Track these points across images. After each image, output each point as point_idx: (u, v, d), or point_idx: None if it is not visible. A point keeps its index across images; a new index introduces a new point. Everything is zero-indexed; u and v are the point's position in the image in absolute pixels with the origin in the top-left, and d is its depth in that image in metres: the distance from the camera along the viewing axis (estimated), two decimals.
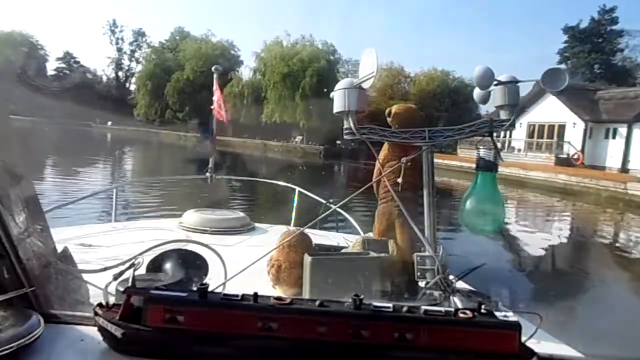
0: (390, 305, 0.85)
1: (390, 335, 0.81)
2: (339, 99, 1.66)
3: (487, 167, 1.68)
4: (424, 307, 0.85)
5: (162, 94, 48.38)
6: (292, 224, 3.30)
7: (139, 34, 63.09)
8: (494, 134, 1.67)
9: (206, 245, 1.35)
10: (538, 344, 0.90)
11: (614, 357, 1.38)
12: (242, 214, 3.07)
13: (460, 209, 1.70)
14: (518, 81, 1.64)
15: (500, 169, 1.69)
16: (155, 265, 1.27)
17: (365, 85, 1.64)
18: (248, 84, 42.88)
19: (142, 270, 1.19)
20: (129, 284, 0.95)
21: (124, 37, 64.34)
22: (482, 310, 0.85)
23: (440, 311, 0.85)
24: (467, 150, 30.18)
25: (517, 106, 1.65)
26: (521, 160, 25.76)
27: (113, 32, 64.04)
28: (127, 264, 1.07)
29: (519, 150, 29.16)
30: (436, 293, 1.54)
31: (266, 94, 40.81)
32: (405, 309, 0.85)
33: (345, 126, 1.68)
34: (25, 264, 0.93)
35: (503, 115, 1.65)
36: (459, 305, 1.41)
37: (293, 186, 3.87)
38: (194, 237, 2.33)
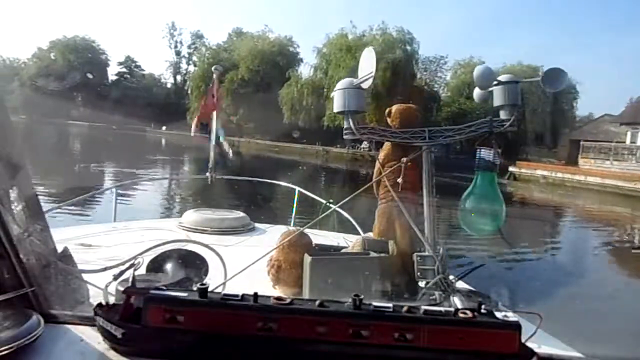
0: (390, 305, 0.85)
1: (390, 335, 0.81)
2: (338, 99, 1.67)
3: (487, 167, 1.68)
4: (424, 307, 0.85)
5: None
6: (292, 224, 3.30)
7: (197, 36, 57.72)
8: (494, 135, 1.66)
9: (206, 245, 1.35)
10: (538, 344, 0.90)
11: (614, 357, 1.38)
12: (242, 214, 3.06)
13: (460, 209, 1.70)
14: (518, 81, 1.64)
15: None
16: (155, 266, 1.27)
17: (365, 85, 1.64)
18: (308, 83, 36.87)
19: (142, 270, 1.19)
20: (129, 284, 0.95)
21: (182, 40, 60.31)
22: (482, 310, 0.85)
23: (440, 311, 0.85)
24: (594, 160, 23.21)
25: (517, 106, 1.65)
26: None
27: (172, 35, 59.87)
28: (127, 264, 1.07)
29: None
30: (436, 293, 1.54)
31: (328, 93, 32.98)
32: (405, 309, 0.85)
33: (345, 126, 1.68)
34: (25, 264, 0.93)
35: (503, 115, 1.65)
36: (459, 305, 1.41)
37: (293, 186, 3.88)
38: (194, 237, 2.33)
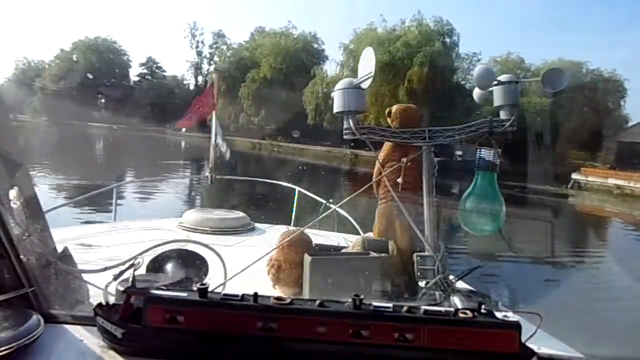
0: (390, 305, 0.85)
1: (390, 335, 0.81)
2: (338, 99, 1.67)
3: (487, 167, 1.68)
4: (424, 307, 0.85)
5: (236, 96, 40.18)
6: (292, 224, 3.30)
7: (219, 36, 55.43)
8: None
9: (206, 245, 1.35)
10: (538, 344, 0.90)
11: (613, 357, 1.38)
12: (242, 214, 3.06)
13: (460, 209, 1.70)
14: (518, 81, 1.64)
15: None
16: (155, 266, 1.27)
17: (364, 85, 1.64)
18: (334, 81, 32.81)
19: (142, 270, 1.19)
20: (129, 284, 0.95)
21: (204, 40, 57.89)
22: (482, 310, 0.85)
23: (440, 311, 0.85)
24: None
25: (517, 106, 1.65)
26: None
27: (193, 35, 57.63)
28: (127, 264, 1.07)
29: None
30: (436, 293, 1.54)
31: None
32: (405, 309, 0.85)
33: (345, 126, 1.68)
34: (25, 264, 0.93)
35: (503, 115, 1.65)
36: (459, 305, 1.41)
37: (293, 186, 3.88)
38: (194, 237, 2.33)
